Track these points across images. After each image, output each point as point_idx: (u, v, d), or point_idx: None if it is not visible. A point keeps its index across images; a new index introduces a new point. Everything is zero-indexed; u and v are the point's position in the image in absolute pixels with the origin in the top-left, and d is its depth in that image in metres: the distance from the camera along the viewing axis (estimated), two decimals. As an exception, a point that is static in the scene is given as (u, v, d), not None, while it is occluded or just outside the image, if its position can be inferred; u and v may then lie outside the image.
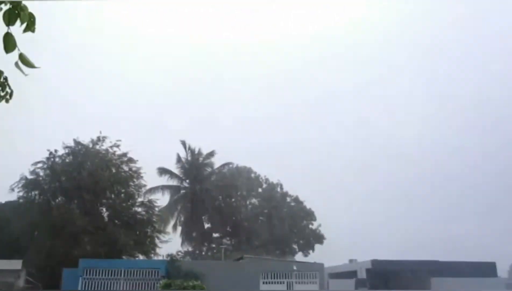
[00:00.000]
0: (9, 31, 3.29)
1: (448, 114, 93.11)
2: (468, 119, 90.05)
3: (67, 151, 34.22)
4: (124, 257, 31.81)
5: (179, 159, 55.10)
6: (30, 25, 3.40)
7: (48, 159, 33.59)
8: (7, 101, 4.38)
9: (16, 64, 3.33)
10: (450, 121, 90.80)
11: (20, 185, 32.64)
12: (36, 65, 3.40)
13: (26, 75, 3.38)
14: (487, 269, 29.31)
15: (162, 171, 53.59)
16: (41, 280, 29.96)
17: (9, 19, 3.29)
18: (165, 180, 54.20)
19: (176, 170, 54.89)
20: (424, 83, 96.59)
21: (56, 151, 33.97)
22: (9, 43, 3.27)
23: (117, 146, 35.31)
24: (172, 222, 53.86)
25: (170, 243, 43.14)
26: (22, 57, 3.35)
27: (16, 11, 3.32)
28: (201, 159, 56.74)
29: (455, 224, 74.98)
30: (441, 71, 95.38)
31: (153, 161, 56.51)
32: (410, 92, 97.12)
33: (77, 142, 34.58)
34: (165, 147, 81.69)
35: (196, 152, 56.52)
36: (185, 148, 55.73)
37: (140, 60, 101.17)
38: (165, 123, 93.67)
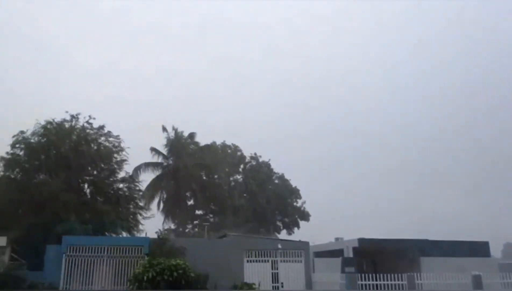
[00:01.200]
0: None
1: (439, 87, 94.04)
2: (457, 90, 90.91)
3: (40, 130, 33.78)
4: (107, 234, 32.06)
5: (164, 137, 55.31)
6: None
7: (23, 138, 33.29)
8: None
9: None
10: (440, 95, 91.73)
11: None
12: None
13: None
14: (479, 249, 30.01)
15: (151, 150, 53.89)
16: (25, 256, 30.14)
17: None
18: (149, 158, 54.54)
19: (160, 148, 55.23)
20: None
21: (23, 131, 33.52)
22: None
23: (91, 123, 35.07)
24: (156, 200, 54.28)
25: (153, 220, 43.55)
26: None
27: None
28: (184, 138, 57.01)
29: (447, 203, 76.49)
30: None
31: (135, 139, 56.81)
32: (398, 70, 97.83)
33: (48, 122, 34.11)
34: (148, 126, 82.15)
35: (179, 131, 56.82)
36: (166, 130, 55.67)
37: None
38: (147, 101, 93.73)
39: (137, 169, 50.97)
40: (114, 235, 32.61)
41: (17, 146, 32.91)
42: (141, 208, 37.35)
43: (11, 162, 32.51)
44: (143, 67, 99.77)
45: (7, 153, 32.75)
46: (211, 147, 64.22)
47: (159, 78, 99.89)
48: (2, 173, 32.88)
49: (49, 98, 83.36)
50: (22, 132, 33.32)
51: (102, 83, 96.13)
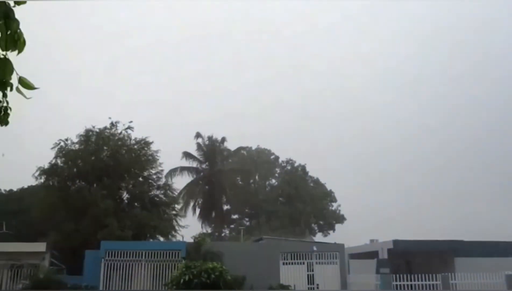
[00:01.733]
0: (6, 56, 3.28)
1: (465, 85, 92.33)
2: (484, 91, 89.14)
3: (80, 138, 35.10)
4: (145, 239, 33.12)
5: (198, 146, 56.51)
6: (22, 48, 3.37)
7: (61, 147, 34.60)
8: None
9: (17, 89, 3.32)
10: (468, 95, 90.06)
11: (37, 174, 34.01)
12: (35, 86, 3.36)
13: (28, 98, 3.35)
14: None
15: (184, 155, 55.07)
16: (64, 262, 31.53)
17: (6, 46, 3.26)
18: (178, 161, 55.91)
19: (194, 152, 56.47)
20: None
21: (67, 139, 34.94)
22: (7, 69, 3.26)
23: (131, 128, 36.12)
24: (191, 204, 55.38)
25: (190, 224, 44.68)
26: (22, 81, 3.33)
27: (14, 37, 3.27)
28: (217, 142, 58.22)
29: (477, 202, 75.15)
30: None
31: (170, 146, 58.46)
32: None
33: (88, 130, 35.32)
34: (182, 134, 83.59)
35: (214, 137, 58.20)
36: (201, 137, 57.03)
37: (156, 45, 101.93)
38: (183, 109, 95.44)
39: (172, 172, 52.28)
40: (151, 240, 33.69)
41: (59, 154, 34.27)
42: (177, 214, 38.29)
43: (51, 170, 33.89)
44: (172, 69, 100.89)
45: (49, 162, 34.15)
46: (246, 152, 65.29)
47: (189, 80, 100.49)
48: (43, 181, 34.31)
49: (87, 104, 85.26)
50: (63, 140, 34.76)
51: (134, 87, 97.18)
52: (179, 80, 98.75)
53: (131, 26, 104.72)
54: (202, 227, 55.62)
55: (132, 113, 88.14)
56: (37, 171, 33.75)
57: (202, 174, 57.19)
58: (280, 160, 67.01)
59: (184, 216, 40.31)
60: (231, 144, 61.26)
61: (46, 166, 34.03)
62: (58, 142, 34.54)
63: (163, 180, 38.38)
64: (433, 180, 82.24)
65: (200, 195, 56.65)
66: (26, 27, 3.39)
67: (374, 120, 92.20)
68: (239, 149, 62.47)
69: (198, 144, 56.37)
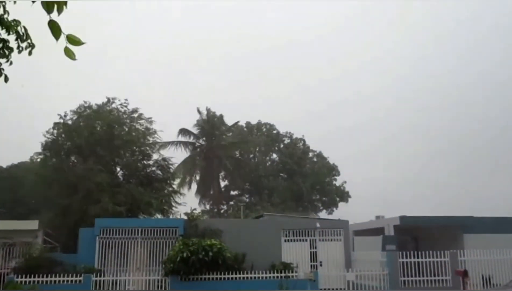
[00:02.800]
0: (52, 18, 3.47)
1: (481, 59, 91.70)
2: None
3: (75, 113, 35.11)
4: (141, 216, 33.04)
5: (197, 122, 56.61)
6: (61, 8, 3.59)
7: (58, 121, 34.62)
8: (29, 53, 4.76)
9: (66, 49, 3.54)
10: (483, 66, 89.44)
11: (42, 149, 34.25)
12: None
13: (75, 60, 3.61)
14: (524, 225, 29.59)
15: (181, 132, 55.19)
16: (58, 239, 31.47)
17: (48, 7, 3.48)
18: (180, 138, 55.91)
19: (192, 129, 56.64)
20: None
21: (65, 114, 34.93)
22: (56, 30, 3.48)
23: (126, 106, 36.14)
24: (188, 180, 55.39)
25: (188, 201, 44.77)
26: (70, 39, 3.54)
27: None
28: (216, 117, 58.25)
29: (488, 178, 75.16)
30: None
31: (167, 120, 58.40)
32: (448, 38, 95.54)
33: (85, 106, 35.42)
34: (180, 109, 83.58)
35: (212, 112, 58.13)
36: (199, 112, 57.12)
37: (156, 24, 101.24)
38: (183, 84, 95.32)
39: (168, 146, 52.29)
40: (148, 217, 33.61)
41: (56, 129, 34.30)
42: (175, 191, 38.17)
43: (48, 144, 33.97)
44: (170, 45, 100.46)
45: (45, 135, 34.20)
46: (245, 126, 65.06)
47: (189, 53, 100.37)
48: (41, 156, 34.40)
49: (87, 79, 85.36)
50: (61, 116, 34.66)
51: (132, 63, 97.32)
52: (177, 54, 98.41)
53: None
54: (200, 204, 55.94)
55: (130, 93, 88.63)
56: (42, 146, 34.05)
57: (199, 149, 57.16)
58: (280, 134, 66.72)
59: (182, 193, 40.09)
60: (230, 120, 61.40)
61: (43, 141, 34.11)
62: (58, 118, 34.66)
63: (159, 155, 38.05)
64: (443, 152, 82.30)
65: (198, 171, 56.71)
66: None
67: (380, 88, 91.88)
68: (238, 123, 62.50)
69: (198, 121, 56.59)
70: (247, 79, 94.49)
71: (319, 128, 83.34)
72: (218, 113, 59.52)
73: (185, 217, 29.34)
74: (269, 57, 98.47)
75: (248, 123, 65.94)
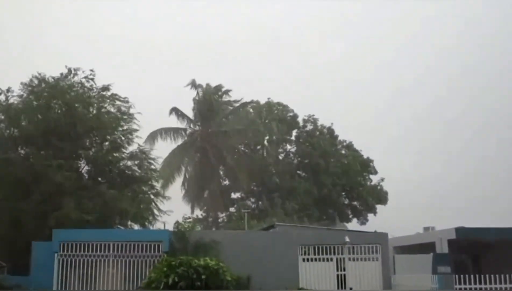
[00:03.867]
0: None
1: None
2: None
3: (25, 89, 34.43)
4: (114, 227, 33.06)
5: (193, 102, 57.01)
6: None
7: (5, 99, 34.17)
8: None
9: None
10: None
11: None
12: None
13: None
14: None
15: (172, 112, 55.57)
16: (7, 257, 31.25)
17: None
18: (169, 124, 56.10)
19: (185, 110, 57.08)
20: None
21: (9, 89, 34.45)
22: None
23: (92, 78, 35.61)
24: (177, 179, 55.50)
25: (176, 207, 44.59)
26: None
27: None
28: (217, 95, 58.17)
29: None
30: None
31: (150, 101, 58.78)
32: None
33: (39, 79, 34.64)
34: (166, 84, 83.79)
35: (211, 87, 58.13)
36: (194, 87, 57.07)
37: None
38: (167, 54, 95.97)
39: (153, 137, 52.24)
40: (122, 228, 33.61)
41: None
42: (158, 193, 37.93)
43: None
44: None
45: None
46: (252, 108, 64.74)
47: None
48: None
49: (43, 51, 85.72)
50: (3, 91, 34.24)
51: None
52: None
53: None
54: (191, 211, 55.98)
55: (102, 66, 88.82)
56: None
57: (192, 137, 57.16)
58: (300, 119, 66.38)
59: (167, 197, 39.79)
60: (234, 98, 61.35)
61: None
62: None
63: (139, 146, 37.75)
64: (506, 149, 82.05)
65: (189, 167, 56.67)
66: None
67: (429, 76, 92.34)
68: (244, 105, 62.11)
69: (193, 101, 56.89)
70: (259, 53, 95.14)
71: (343, 113, 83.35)
72: (221, 88, 59.74)
73: (172, 228, 29.30)
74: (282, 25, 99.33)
75: (255, 103, 65.53)
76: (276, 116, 65.01)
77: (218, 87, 59.96)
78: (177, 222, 29.79)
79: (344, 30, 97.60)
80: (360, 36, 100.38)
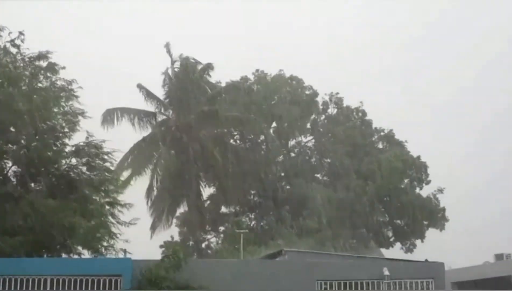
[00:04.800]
0: None
1: None
2: None
3: None
4: (52, 253, 33.12)
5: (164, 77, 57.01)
6: None
7: None
8: None
9: None
10: None
11: None
12: None
13: None
14: None
15: (139, 90, 55.58)
16: None
17: None
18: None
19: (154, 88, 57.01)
20: None
21: None
22: None
23: (18, 46, 35.69)
24: (143, 185, 55.47)
25: (141, 226, 44.43)
26: None
27: None
28: (200, 71, 58.20)
29: None
30: None
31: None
32: None
33: None
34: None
35: (192, 60, 58.08)
36: (169, 54, 57.11)
37: None
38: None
39: (107, 119, 52.18)
40: (65, 256, 33.67)
41: None
42: (114, 203, 37.85)
43: None
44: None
45: None
46: (249, 86, 64.72)
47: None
48: None
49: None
50: None
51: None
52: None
53: None
54: (163, 228, 56.03)
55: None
56: None
57: (164, 126, 57.21)
58: (319, 99, 66.30)
59: (129, 206, 39.63)
60: (225, 75, 61.38)
61: None
62: None
63: (88, 136, 37.65)
64: None
65: (160, 168, 56.43)
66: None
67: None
68: (237, 83, 61.84)
69: (164, 77, 56.88)
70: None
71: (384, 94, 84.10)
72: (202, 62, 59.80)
73: (142, 257, 29.30)
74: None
75: (259, 75, 65.37)
76: (287, 95, 64.87)
77: (202, 65, 59.81)
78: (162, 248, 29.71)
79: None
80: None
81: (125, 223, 37.08)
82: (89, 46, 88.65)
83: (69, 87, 36.20)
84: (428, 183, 64.30)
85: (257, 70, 66.72)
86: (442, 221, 63.05)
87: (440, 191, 63.96)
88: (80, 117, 36.67)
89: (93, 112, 38.33)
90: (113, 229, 36.62)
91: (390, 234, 63.64)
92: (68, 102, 36.18)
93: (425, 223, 63.00)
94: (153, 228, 56.89)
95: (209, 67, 60.45)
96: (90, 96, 37.49)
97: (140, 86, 57.21)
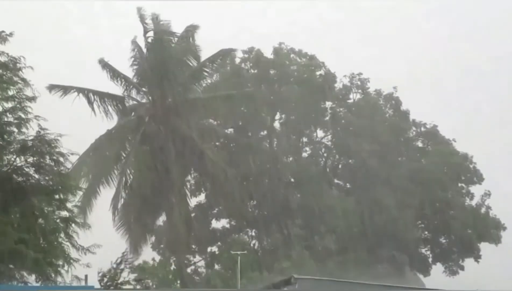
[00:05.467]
0: None
1: None
2: None
3: None
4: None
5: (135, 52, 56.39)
6: None
7: None
8: None
9: None
10: None
11: None
12: None
13: None
14: None
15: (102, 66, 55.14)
16: None
17: None
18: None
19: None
20: None
21: None
22: None
23: None
24: (109, 192, 55.19)
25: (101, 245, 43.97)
26: None
27: None
28: (183, 38, 57.65)
29: None
30: None
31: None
32: None
33: None
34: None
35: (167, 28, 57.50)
36: (142, 22, 56.63)
37: None
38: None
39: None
40: (7, 284, 33.58)
41: None
42: (72, 219, 37.67)
43: None
44: None
45: None
46: (251, 60, 64.61)
47: None
48: None
49: None
50: None
51: None
52: None
53: None
54: (134, 249, 55.67)
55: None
56: None
57: (136, 115, 57.00)
58: (339, 81, 66.30)
59: (85, 227, 39.40)
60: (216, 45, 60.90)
61: None
62: None
63: (40, 130, 37.51)
64: None
65: (131, 169, 56.09)
66: None
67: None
68: (228, 53, 61.32)
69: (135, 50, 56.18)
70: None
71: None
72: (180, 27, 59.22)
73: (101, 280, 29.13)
74: None
75: (255, 50, 65.25)
76: (295, 76, 64.65)
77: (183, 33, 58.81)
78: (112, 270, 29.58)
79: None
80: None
81: (82, 248, 36.85)
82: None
83: (17, 65, 36.08)
84: (480, 180, 65.25)
85: (249, 49, 66.14)
86: (497, 231, 63.08)
87: (488, 195, 64.57)
88: (30, 105, 36.46)
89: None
90: (71, 253, 36.52)
91: (429, 253, 63.66)
92: (15, 85, 36.05)
93: (476, 238, 62.83)
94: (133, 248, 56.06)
95: (192, 31, 58.38)
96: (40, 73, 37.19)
97: (102, 63, 55.95)
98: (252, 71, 65.71)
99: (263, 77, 64.25)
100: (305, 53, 67.14)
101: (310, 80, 64.37)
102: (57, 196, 36.09)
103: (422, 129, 66.96)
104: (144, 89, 57.96)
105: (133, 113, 58.53)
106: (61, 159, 35.88)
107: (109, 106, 56.26)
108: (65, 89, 53.94)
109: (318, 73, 65.89)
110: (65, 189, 36.46)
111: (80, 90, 54.76)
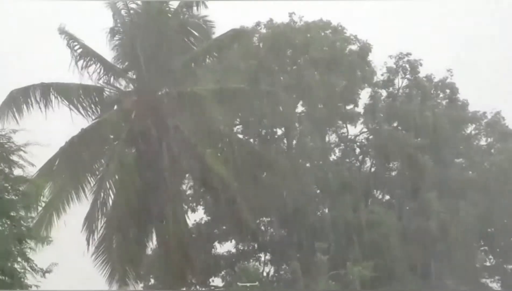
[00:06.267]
0: None
1: None
2: None
3: None
4: None
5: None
6: None
7: None
8: None
9: None
10: None
11: None
12: None
13: None
14: None
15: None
16: None
17: None
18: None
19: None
20: None
21: None
22: None
23: None
24: (80, 208, 56.68)
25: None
26: None
27: None
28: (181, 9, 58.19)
29: None
30: None
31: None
32: None
33: None
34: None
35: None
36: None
37: None
38: None
39: (8, 105, 52.11)
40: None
41: None
42: (32, 237, 39.67)
43: None
44: None
45: None
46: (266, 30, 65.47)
47: None
48: None
49: None
50: None
51: None
52: None
53: None
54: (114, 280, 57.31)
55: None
56: None
57: (119, 110, 57.60)
58: (376, 61, 66.70)
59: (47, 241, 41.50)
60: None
61: None
62: None
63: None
64: None
65: (111, 181, 56.13)
66: None
67: None
68: (238, 33, 61.83)
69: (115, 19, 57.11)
70: None
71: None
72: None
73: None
74: None
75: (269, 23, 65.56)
76: (321, 54, 64.57)
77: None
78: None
79: None
80: None
81: (41, 271, 38.82)
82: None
83: None
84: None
85: (258, 23, 67.82)
86: None
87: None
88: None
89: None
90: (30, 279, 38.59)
91: (496, 286, 64.73)
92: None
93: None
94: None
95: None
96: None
97: (61, 31, 56.26)
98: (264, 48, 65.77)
99: (279, 56, 65.29)
100: (332, 24, 68.19)
101: (338, 60, 65.47)
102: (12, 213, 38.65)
103: (485, 121, 67.76)
104: (128, 74, 58.55)
105: (115, 107, 58.68)
106: (21, 161, 38.36)
107: (85, 100, 56.75)
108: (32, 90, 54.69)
109: (351, 48, 66.99)
110: (27, 198, 38.92)
111: (44, 87, 55.43)
